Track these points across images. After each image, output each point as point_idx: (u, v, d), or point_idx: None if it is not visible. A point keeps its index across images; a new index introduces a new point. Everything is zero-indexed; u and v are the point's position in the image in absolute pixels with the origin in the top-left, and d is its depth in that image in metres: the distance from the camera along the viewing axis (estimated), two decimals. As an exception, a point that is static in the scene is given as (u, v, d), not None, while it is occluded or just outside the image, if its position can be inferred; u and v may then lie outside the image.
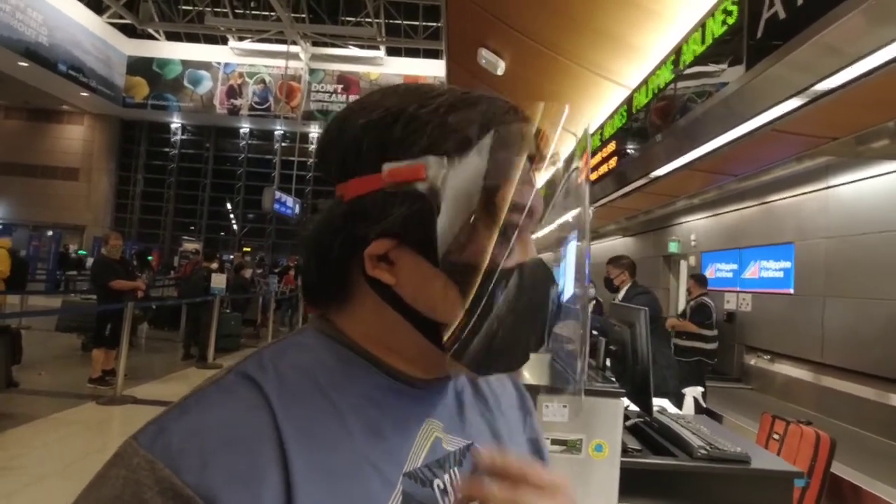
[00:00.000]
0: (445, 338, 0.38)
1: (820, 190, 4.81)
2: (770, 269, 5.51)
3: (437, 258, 0.38)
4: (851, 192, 4.47)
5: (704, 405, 2.88)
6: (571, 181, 0.45)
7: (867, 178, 4.28)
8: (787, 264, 5.23)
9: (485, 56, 4.29)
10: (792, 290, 5.14)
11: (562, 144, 0.42)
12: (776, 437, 3.42)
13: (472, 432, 0.48)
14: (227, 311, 7.79)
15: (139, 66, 20.36)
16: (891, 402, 3.90)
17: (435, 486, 0.42)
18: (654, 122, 3.17)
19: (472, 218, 0.38)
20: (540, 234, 0.44)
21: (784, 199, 5.34)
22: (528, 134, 0.40)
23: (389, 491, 0.39)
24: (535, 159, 0.41)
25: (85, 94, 18.25)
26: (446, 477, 0.43)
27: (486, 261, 0.38)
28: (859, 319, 4.26)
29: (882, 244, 4.07)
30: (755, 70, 1.93)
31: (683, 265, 7.76)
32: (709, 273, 6.38)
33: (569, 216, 0.45)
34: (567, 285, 0.46)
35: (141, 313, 6.72)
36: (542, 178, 0.43)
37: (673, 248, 7.59)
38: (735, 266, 6.15)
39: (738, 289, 6.05)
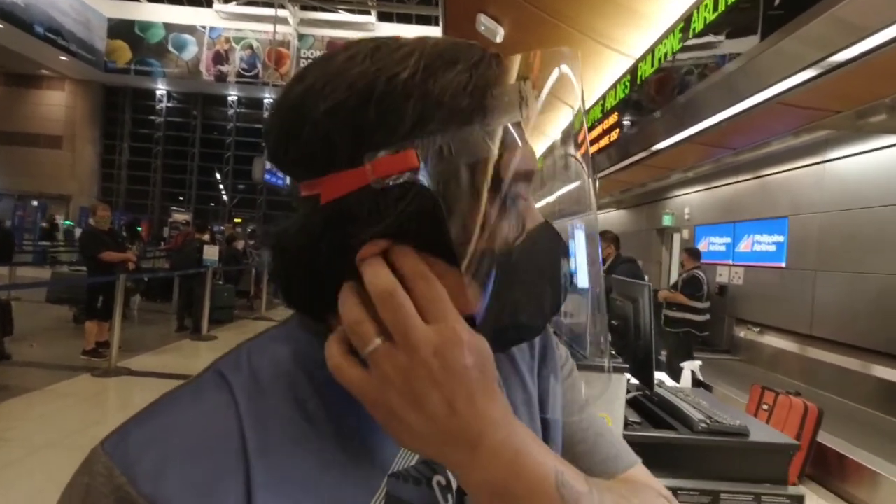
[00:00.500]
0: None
1: (816, 164, 4.82)
2: (763, 242, 5.57)
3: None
4: (847, 166, 4.48)
5: (701, 379, 2.94)
6: (574, 140, 0.40)
7: (864, 153, 4.29)
8: (780, 238, 5.29)
9: (483, 22, 4.16)
10: (784, 264, 5.21)
11: (557, 96, 0.37)
12: (765, 407, 3.51)
13: None
14: (220, 282, 7.76)
15: (120, 30, 19.61)
16: (875, 373, 4.01)
17: (434, 483, 0.39)
18: (658, 93, 3.12)
19: (483, 202, 0.34)
20: (556, 201, 0.41)
21: (779, 172, 5.35)
22: (527, 93, 0.35)
23: (368, 496, 0.36)
24: (538, 119, 0.36)
25: (64, 58, 17.59)
26: (448, 471, 0.40)
27: (499, 242, 0.35)
28: (849, 293, 4.34)
29: (875, 219, 4.11)
30: (770, 40, 1.88)
31: (677, 238, 7.82)
32: (702, 246, 6.43)
33: (580, 180, 0.41)
34: (578, 248, 0.43)
35: (133, 285, 6.67)
36: (542, 140, 0.39)
37: (667, 221, 7.63)
38: (728, 240, 6.20)
39: (730, 262, 6.12)
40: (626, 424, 1.79)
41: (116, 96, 21.17)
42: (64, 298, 6.79)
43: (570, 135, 0.40)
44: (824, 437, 3.31)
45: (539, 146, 0.39)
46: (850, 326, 4.31)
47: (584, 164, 0.41)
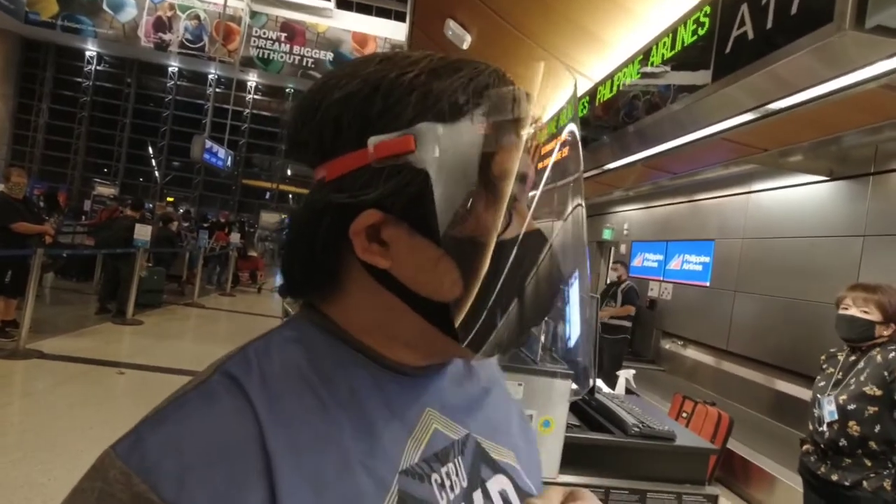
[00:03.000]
0: (453, 319, 0.37)
1: (742, 194, 5.26)
2: (691, 262, 6.00)
3: (437, 234, 0.36)
4: (769, 198, 4.94)
5: (633, 387, 3.16)
6: (569, 146, 0.43)
7: (782, 188, 4.75)
8: (707, 259, 5.72)
9: (452, 28, 4.20)
10: (708, 283, 5.64)
11: (554, 107, 0.40)
12: (685, 414, 3.80)
13: (469, 419, 0.48)
14: (150, 265, 7.28)
15: (48, -20, 17.86)
16: (778, 387, 4.45)
17: (433, 480, 0.40)
18: (613, 117, 3.30)
19: (469, 188, 0.36)
20: (539, 201, 0.42)
21: (710, 199, 5.79)
22: (520, 97, 0.38)
23: (384, 492, 0.37)
24: (533, 123, 0.39)
25: (-23, 2, 15.80)
26: (447, 469, 0.42)
27: (487, 233, 0.37)
28: (761, 313, 4.78)
29: (790, 248, 4.56)
30: (720, 83, 2.07)
31: (613, 251, 8.24)
32: (637, 261, 6.83)
33: (566, 182, 0.44)
34: (568, 258, 0.44)
35: (50, 261, 6.11)
36: (538, 143, 0.41)
37: (607, 234, 8.02)
38: (661, 257, 6.62)
39: (661, 278, 6.54)
40: (567, 427, 1.90)
41: (37, 51, 19.27)
42: (-36, 271, 6.11)
43: (567, 148, 0.43)
44: (732, 444, 3.64)
45: (534, 157, 0.41)
46: (760, 343, 4.74)
47: (576, 181, 0.44)
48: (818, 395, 2.09)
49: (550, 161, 0.42)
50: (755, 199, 5.09)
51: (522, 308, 0.39)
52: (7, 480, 2.44)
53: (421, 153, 0.35)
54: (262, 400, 0.35)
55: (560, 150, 0.42)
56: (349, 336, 0.41)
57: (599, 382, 2.74)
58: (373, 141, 0.36)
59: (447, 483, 0.41)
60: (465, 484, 0.43)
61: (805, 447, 2.19)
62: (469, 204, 0.36)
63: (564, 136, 0.43)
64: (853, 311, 2.02)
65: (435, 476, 0.41)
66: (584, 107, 3.71)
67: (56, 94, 19.65)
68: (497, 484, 0.46)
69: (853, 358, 2.06)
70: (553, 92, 0.39)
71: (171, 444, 0.32)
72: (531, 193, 0.41)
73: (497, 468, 0.48)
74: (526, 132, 0.39)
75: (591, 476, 1.87)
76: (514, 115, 0.38)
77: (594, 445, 1.89)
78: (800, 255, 4.41)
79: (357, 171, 0.37)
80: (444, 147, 0.35)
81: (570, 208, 0.45)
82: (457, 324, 0.37)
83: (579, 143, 0.44)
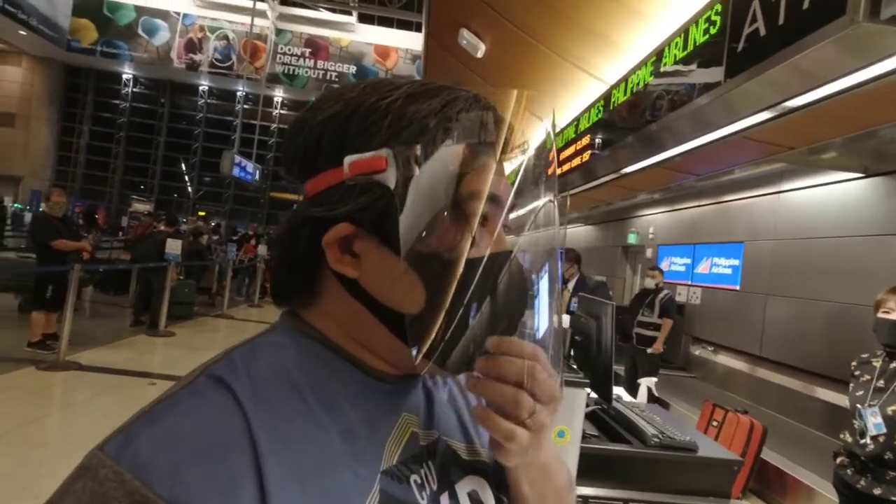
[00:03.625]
0: (410, 331, 0.38)
1: (771, 194, 5.09)
2: (720, 265, 5.82)
3: (400, 249, 0.38)
4: (800, 198, 4.76)
5: (657, 394, 3.07)
6: (537, 170, 0.43)
7: (814, 187, 4.57)
8: (736, 262, 5.54)
9: (466, 37, 4.23)
10: (738, 287, 5.46)
11: (526, 133, 0.41)
12: (715, 424, 3.67)
13: (443, 426, 0.49)
14: (181, 277, 7.52)
15: (87, 8, 18.83)
16: (818, 395, 4.25)
17: (412, 481, 0.42)
18: (629, 119, 3.25)
19: (435, 208, 0.38)
20: (507, 224, 0.43)
21: (738, 200, 5.62)
22: (489, 122, 0.40)
23: (367, 490, 0.38)
24: (499, 148, 0.40)
25: (23, 32, 16.74)
26: (424, 470, 0.44)
27: (451, 252, 0.38)
28: (797, 317, 4.59)
29: (824, 249, 4.37)
30: (734, 81, 2.01)
31: (640, 256, 8.06)
32: (664, 266, 6.67)
33: (536, 206, 0.44)
34: (535, 278, 0.45)
35: (87, 276, 6.39)
36: (506, 166, 0.42)
37: (632, 239, 7.87)
38: (688, 260, 6.45)
39: (689, 282, 6.36)
40: (584, 437, 1.86)
41: (78, 77, 20.28)
42: (9, 286, 6.44)
43: (534, 173, 0.43)
44: (768, 454, 3.49)
45: (508, 179, 0.42)
46: (796, 349, 4.55)
47: (549, 201, 0.44)
48: (858, 406, 1.97)
49: (518, 183, 0.43)
50: (785, 198, 4.91)
51: (482, 327, 0.39)
52: (45, 491, 2.54)
53: (391, 172, 0.38)
54: (249, 399, 0.36)
55: (529, 172, 0.43)
56: (331, 342, 0.43)
57: (620, 391, 2.68)
58: (348, 160, 0.39)
59: (425, 484, 0.43)
60: (434, 486, 0.44)
61: (840, 459, 2.08)
62: (433, 222, 0.38)
63: (536, 159, 0.43)
64: None
65: (414, 477, 0.42)
66: (600, 110, 3.67)
67: (96, 116, 20.62)
68: (467, 485, 0.47)
69: (895, 364, 1.95)
70: (529, 118, 0.40)
71: (163, 441, 0.33)
72: (498, 215, 0.42)
73: (468, 469, 0.49)
74: (494, 155, 0.40)
75: (610, 488, 1.82)
76: (482, 138, 0.40)
77: (612, 456, 1.84)
78: (835, 256, 4.22)
79: (334, 187, 0.40)
80: (412, 167, 0.38)
81: (539, 230, 0.46)
82: (413, 335, 0.38)
83: (554, 167, 0.44)
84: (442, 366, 0.39)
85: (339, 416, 0.40)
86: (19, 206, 16.86)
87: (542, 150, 0.43)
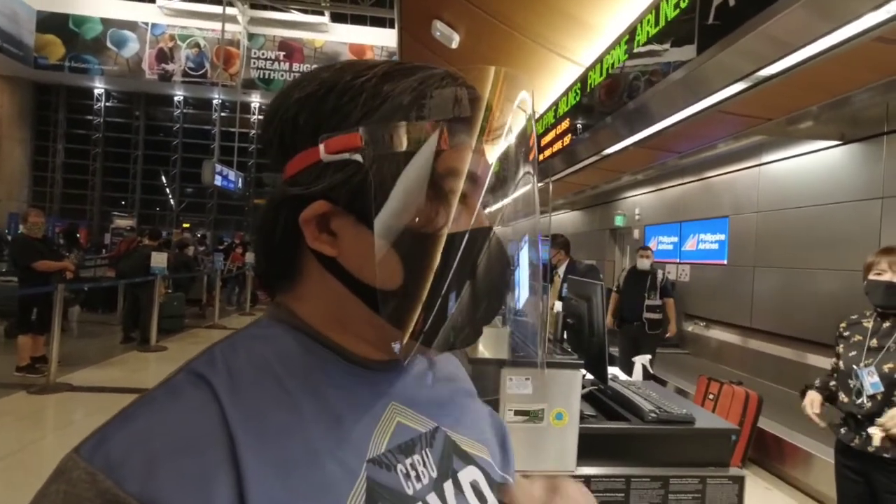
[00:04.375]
0: (389, 307, 0.38)
1: (753, 167, 5.14)
2: (707, 241, 5.88)
3: (376, 225, 0.38)
4: (780, 169, 4.81)
5: (651, 371, 3.09)
6: (515, 146, 0.43)
7: (794, 157, 4.62)
8: (722, 237, 5.61)
9: (439, 28, 4.20)
10: (725, 262, 5.52)
11: (503, 109, 0.40)
12: (711, 396, 3.72)
13: (439, 413, 0.48)
14: (169, 290, 7.42)
15: (52, 23, 18.40)
16: (810, 361, 4.32)
17: (398, 470, 0.41)
18: (606, 100, 3.26)
19: (410, 184, 0.38)
20: (486, 201, 0.43)
21: (721, 175, 5.67)
22: (465, 98, 0.40)
23: (352, 479, 0.38)
24: (474, 124, 0.40)
25: (-12, 52, 16.36)
26: (412, 460, 0.43)
27: (424, 227, 0.38)
28: (784, 287, 4.66)
29: (806, 218, 4.43)
30: (707, 54, 2.01)
31: (628, 238, 8.12)
32: (651, 246, 6.72)
33: (513, 182, 0.44)
34: (516, 255, 0.45)
35: (72, 296, 6.28)
36: (481, 143, 0.41)
37: (619, 221, 7.92)
38: (675, 239, 6.51)
39: (677, 260, 6.42)
40: (582, 418, 1.86)
41: (49, 94, 19.84)
42: (-7, 311, 6.32)
43: (512, 148, 0.43)
44: (765, 424, 3.54)
45: (485, 155, 0.42)
46: (786, 318, 4.62)
47: (528, 175, 0.44)
48: (853, 366, 1.99)
49: (495, 160, 0.43)
50: (767, 170, 4.97)
51: (462, 304, 0.39)
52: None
53: (365, 150, 0.38)
54: (228, 392, 0.36)
55: (506, 148, 0.43)
56: (314, 330, 0.42)
57: (616, 370, 2.70)
58: (323, 137, 0.39)
59: (412, 473, 0.42)
60: (434, 474, 0.44)
61: (832, 421, 2.11)
62: (407, 199, 0.38)
63: (513, 135, 0.43)
64: (889, 276, 1.92)
65: (400, 466, 0.42)
66: (577, 93, 3.67)
67: (70, 133, 20.21)
68: (469, 475, 0.47)
69: (888, 324, 1.97)
70: (505, 93, 0.40)
71: (136, 440, 0.33)
72: (474, 191, 0.42)
73: (469, 460, 0.49)
74: (469, 132, 0.40)
75: (611, 466, 1.83)
76: (457, 115, 0.39)
77: (611, 435, 1.85)
78: (818, 224, 4.28)
79: (311, 167, 0.40)
80: (386, 144, 0.38)
81: (516, 206, 0.46)
82: (390, 312, 0.38)
83: (533, 144, 0.44)
84: (421, 342, 0.38)
85: (322, 405, 0.39)
86: (-3, 229, 16.51)
87: (519, 125, 0.43)
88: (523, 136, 0.43)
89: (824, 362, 4.12)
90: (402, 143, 0.38)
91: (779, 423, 3.63)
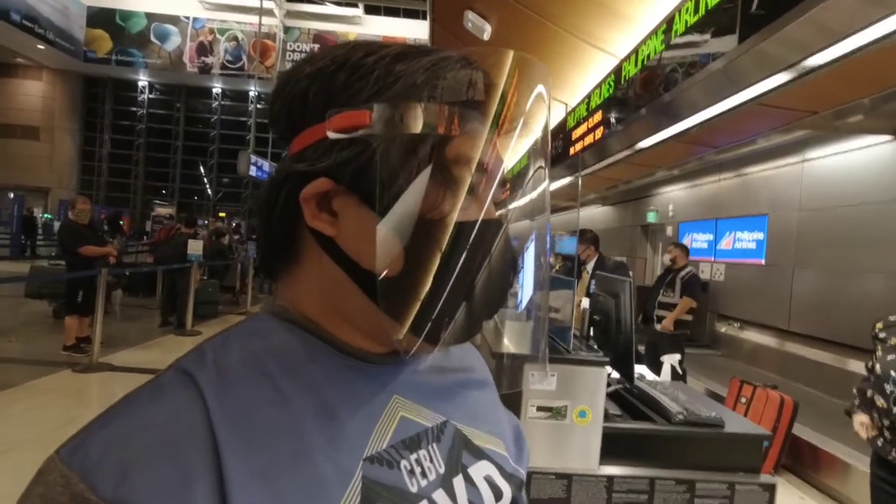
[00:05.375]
0: (385, 294, 0.36)
1: (795, 163, 4.92)
2: (744, 239, 5.67)
3: (379, 207, 0.36)
4: (825, 165, 4.59)
5: (681, 372, 3.00)
6: (528, 135, 0.41)
7: (841, 153, 4.39)
8: (760, 235, 5.39)
9: (471, 19, 4.16)
10: (763, 261, 5.32)
11: (519, 96, 0.39)
12: (743, 400, 3.60)
13: (448, 406, 0.47)
14: (205, 277, 7.67)
15: (100, 18, 19.18)
16: (849, 367, 4.13)
17: (402, 467, 0.40)
18: (642, 92, 3.16)
19: (417, 167, 0.36)
20: (496, 192, 0.41)
21: (760, 171, 5.45)
22: (479, 82, 0.38)
23: (346, 479, 0.36)
24: (489, 110, 0.38)
25: (41, 46, 17.17)
26: (417, 456, 0.41)
27: (429, 213, 0.37)
28: (825, 289, 4.45)
29: (853, 217, 4.22)
30: (748, 43, 1.92)
31: (661, 235, 7.92)
32: (685, 243, 6.52)
33: (528, 176, 0.42)
34: (523, 248, 0.44)
35: (114, 280, 6.57)
36: (493, 130, 0.39)
37: (651, 217, 7.71)
38: (710, 236, 6.30)
39: (712, 259, 6.22)
40: (607, 417, 1.84)
41: (96, 87, 20.74)
42: (43, 293, 6.67)
43: (526, 139, 0.41)
44: (800, 430, 3.41)
45: (497, 143, 0.39)
46: (826, 321, 4.42)
47: (541, 169, 0.43)
48: (892, 372, 1.89)
49: (506, 148, 0.41)
50: (811, 167, 4.74)
51: (464, 297, 0.37)
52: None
53: (374, 128, 0.36)
54: (214, 392, 0.35)
55: (519, 137, 0.41)
56: (310, 324, 0.41)
57: (643, 369, 2.64)
58: (331, 113, 0.37)
59: (417, 470, 0.41)
60: (442, 470, 0.42)
61: (872, 433, 2.01)
62: (414, 182, 0.36)
63: (528, 124, 0.41)
64: None
65: (404, 462, 0.40)
66: (611, 85, 3.57)
67: (115, 124, 21.08)
68: (481, 469, 0.46)
69: None
70: (522, 80, 0.38)
71: (113, 442, 0.32)
72: (483, 180, 0.40)
73: (481, 454, 0.47)
74: (481, 118, 0.38)
75: (635, 466, 1.80)
76: (470, 98, 0.38)
77: (636, 435, 1.82)
78: (866, 224, 4.07)
79: (317, 143, 0.39)
80: (395, 124, 0.36)
81: (528, 198, 0.44)
82: (386, 299, 0.36)
83: (547, 134, 0.43)
84: (416, 335, 0.36)
85: (316, 402, 0.38)
86: (48, 215, 17.43)
87: (536, 115, 0.41)
88: (539, 127, 0.41)
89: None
90: (413, 125, 0.36)
91: (815, 431, 3.48)
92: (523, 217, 0.44)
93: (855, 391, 2.11)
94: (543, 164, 0.43)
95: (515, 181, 0.43)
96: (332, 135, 0.37)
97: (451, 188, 0.38)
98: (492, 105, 0.38)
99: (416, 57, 0.39)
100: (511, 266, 0.42)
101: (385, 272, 0.37)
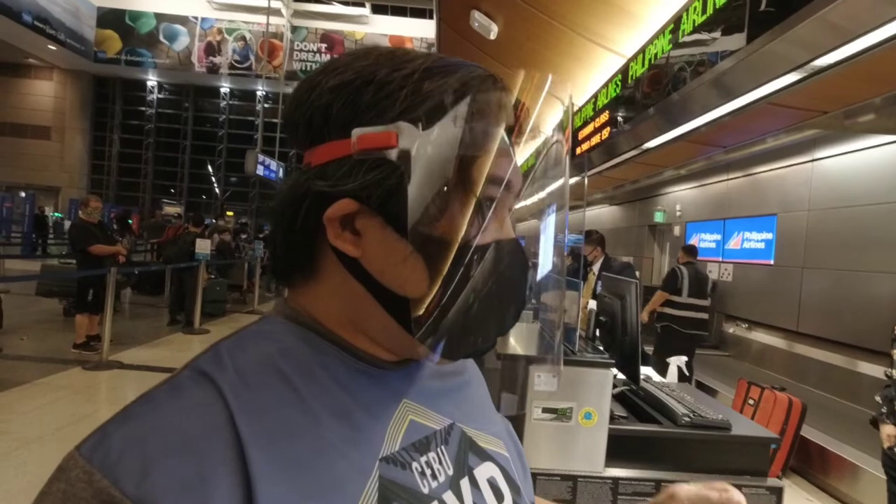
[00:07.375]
0: (412, 316, 0.37)
1: (805, 163, 4.87)
2: (752, 240, 5.63)
3: (406, 229, 0.36)
4: (835, 165, 4.54)
5: (688, 374, 2.98)
6: (552, 156, 0.42)
7: (851, 153, 4.35)
8: (769, 235, 5.35)
9: (477, 19, 4.15)
10: (772, 261, 5.27)
11: (543, 116, 0.40)
12: (751, 402, 3.57)
13: (453, 408, 0.48)
14: (213, 276, 7.72)
15: (110, 19, 19.33)
16: (859, 369, 4.09)
17: (413, 468, 0.41)
18: (649, 92, 3.15)
19: (444, 189, 0.36)
20: (518, 210, 0.42)
21: (769, 171, 5.40)
22: (507, 103, 0.38)
23: (364, 478, 0.37)
24: (514, 130, 0.39)
25: (52, 46, 17.33)
26: (427, 457, 0.42)
27: (457, 235, 0.37)
28: (835, 290, 4.41)
29: (864, 217, 4.17)
30: (757, 42, 1.91)
31: (668, 235, 7.87)
32: (692, 243, 6.48)
33: (548, 193, 0.43)
34: (543, 267, 0.44)
35: (124, 278, 6.63)
36: (520, 150, 0.40)
37: (658, 217, 7.67)
38: (718, 237, 6.26)
39: (720, 259, 6.18)
40: (612, 418, 1.83)
41: (106, 87, 20.89)
42: (54, 291, 6.75)
43: (551, 160, 0.42)
44: (809, 432, 3.38)
45: (520, 164, 0.41)
46: (836, 323, 4.38)
47: (559, 193, 0.44)
48: None
49: (533, 171, 0.42)
50: (820, 166, 4.70)
51: (486, 316, 0.39)
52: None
53: (401, 149, 0.36)
54: (234, 391, 0.35)
55: (544, 159, 0.42)
56: (323, 328, 0.41)
57: (649, 371, 2.63)
58: (356, 132, 0.37)
59: (428, 472, 0.42)
60: (450, 472, 0.43)
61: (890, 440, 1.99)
62: (442, 205, 0.37)
63: (552, 145, 0.42)
64: None
65: (415, 464, 0.41)
66: (618, 85, 3.55)
67: (125, 124, 21.25)
68: (485, 471, 0.47)
69: None
70: (545, 100, 0.39)
71: (135, 438, 0.32)
72: (510, 202, 0.41)
73: (485, 456, 0.48)
74: (510, 140, 0.39)
75: (641, 469, 1.79)
76: (498, 121, 0.38)
77: (642, 437, 1.81)
78: (876, 224, 4.02)
79: (340, 160, 0.38)
80: (424, 146, 0.36)
81: (550, 220, 0.45)
82: (414, 321, 0.37)
83: (565, 155, 0.44)
84: (439, 352, 0.37)
85: (332, 403, 0.38)
86: (59, 214, 17.61)
87: (558, 136, 0.42)
88: (561, 148, 0.42)
89: (877, 370, 3.88)
90: (443, 148, 0.36)
91: (823, 433, 3.45)
92: (547, 238, 0.45)
93: (880, 399, 2.08)
94: (564, 185, 0.44)
95: (541, 203, 0.44)
96: (357, 155, 0.37)
97: (480, 212, 0.38)
98: (519, 128, 0.39)
99: (444, 75, 0.38)
100: (532, 283, 0.43)
101: (412, 294, 0.37)
